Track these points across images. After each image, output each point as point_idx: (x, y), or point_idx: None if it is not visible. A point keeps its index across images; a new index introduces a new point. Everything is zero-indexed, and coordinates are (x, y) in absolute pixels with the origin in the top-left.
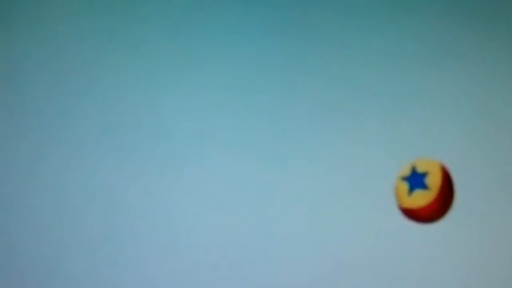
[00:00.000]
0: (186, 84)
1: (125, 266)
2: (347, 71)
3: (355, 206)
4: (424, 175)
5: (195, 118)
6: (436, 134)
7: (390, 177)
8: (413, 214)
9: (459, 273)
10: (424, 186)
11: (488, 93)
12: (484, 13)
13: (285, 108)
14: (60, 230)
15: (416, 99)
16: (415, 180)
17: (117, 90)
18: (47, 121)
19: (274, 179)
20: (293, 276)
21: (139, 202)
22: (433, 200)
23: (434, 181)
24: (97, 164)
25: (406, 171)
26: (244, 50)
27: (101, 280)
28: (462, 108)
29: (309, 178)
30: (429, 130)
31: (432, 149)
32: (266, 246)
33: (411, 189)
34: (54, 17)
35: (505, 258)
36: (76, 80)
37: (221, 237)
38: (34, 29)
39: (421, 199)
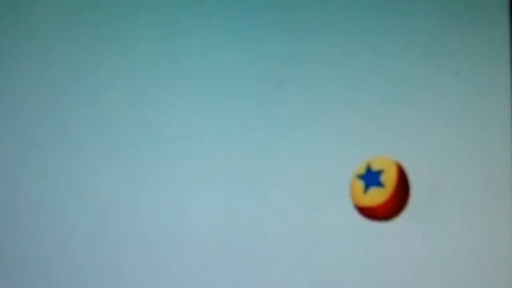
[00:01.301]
0: (174, 84)
1: (116, 267)
2: (319, 71)
3: (316, 204)
4: (379, 173)
5: (184, 118)
6: (393, 132)
7: (346, 175)
8: (369, 212)
9: (415, 272)
10: (379, 184)
11: (445, 90)
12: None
13: (274, 108)
14: (49, 231)
15: (378, 97)
16: (371, 178)
17: (106, 90)
18: (36, 121)
19: (264, 178)
20: (285, 276)
21: (130, 202)
22: (388, 198)
23: (389, 178)
24: (87, 164)
25: (361, 169)
26: (232, 49)
27: (92, 281)
28: (419, 106)
29: (298, 177)
30: (386, 127)
31: (388, 147)
32: (259, 246)
33: (367, 187)
34: (42, 17)
35: (461, 256)
36: (65, 80)
37: (214, 237)
38: (21, 29)
39: (376, 197)
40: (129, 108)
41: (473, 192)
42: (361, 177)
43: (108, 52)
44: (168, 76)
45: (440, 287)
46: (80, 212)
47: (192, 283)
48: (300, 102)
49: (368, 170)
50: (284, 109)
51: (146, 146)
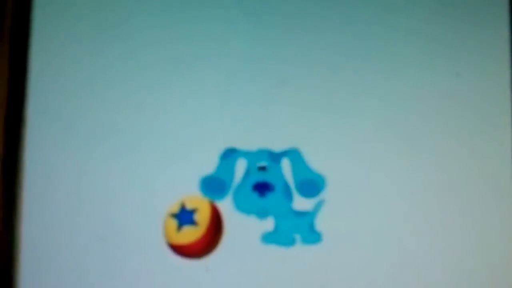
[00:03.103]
0: (177, 84)
1: (119, 266)
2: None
3: None
4: (193, 211)
5: (186, 118)
6: (394, 131)
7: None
8: (181, 251)
9: None
10: (192, 222)
11: (445, 91)
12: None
13: (275, 107)
14: (54, 229)
15: (379, 96)
16: (184, 216)
17: (107, 89)
18: (35, 120)
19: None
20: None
21: (133, 201)
22: (201, 236)
23: (202, 217)
24: (88, 163)
25: (175, 208)
26: (234, 49)
27: (96, 281)
28: (419, 106)
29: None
30: (387, 127)
31: (389, 146)
32: (259, 246)
33: (180, 225)
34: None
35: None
36: (65, 78)
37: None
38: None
39: (190, 235)
40: (129, 109)
41: (476, 191)
42: (175, 215)
43: (111, 54)
44: (171, 76)
45: None
46: (82, 210)
47: (192, 281)
48: (301, 101)
49: (182, 209)
50: (285, 108)
51: (148, 146)
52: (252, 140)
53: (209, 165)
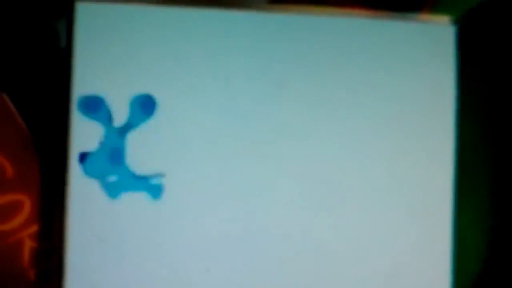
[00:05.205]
0: (176, 85)
1: (118, 265)
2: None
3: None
4: None
5: (183, 119)
6: (393, 131)
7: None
8: None
9: None
10: None
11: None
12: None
13: (275, 109)
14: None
15: (379, 97)
16: None
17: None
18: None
19: (264, 181)
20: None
21: (135, 202)
22: None
23: None
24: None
25: None
26: (233, 50)
27: (95, 280)
28: (419, 106)
29: (300, 178)
30: (387, 128)
31: (386, 147)
32: (260, 247)
33: None
34: None
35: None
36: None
37: (214, 239)
38: None
39: None
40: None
41: None
42: None
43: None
44: (170, 77)
45: None
46: (85, 210)
47: (192, 283)
48: (301, 103)
49: None
50: (285, 110)
51: (146, 149)
52: (251, 141)
53: (207, 172)
